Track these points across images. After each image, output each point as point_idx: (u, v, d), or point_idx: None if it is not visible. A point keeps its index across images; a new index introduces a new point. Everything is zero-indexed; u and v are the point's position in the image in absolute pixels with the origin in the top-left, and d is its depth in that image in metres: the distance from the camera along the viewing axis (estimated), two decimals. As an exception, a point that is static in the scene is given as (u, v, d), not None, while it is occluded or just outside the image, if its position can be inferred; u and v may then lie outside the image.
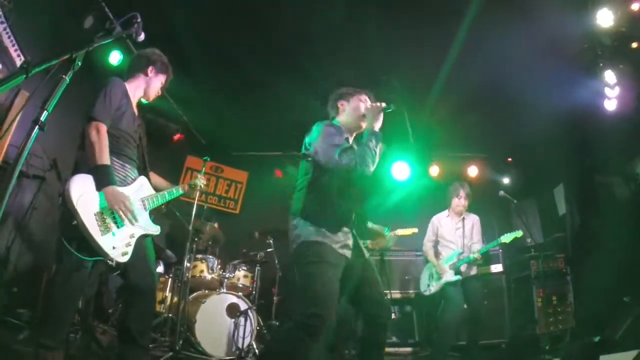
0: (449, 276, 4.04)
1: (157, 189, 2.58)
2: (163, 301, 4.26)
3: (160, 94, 2.68)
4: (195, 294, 4.29)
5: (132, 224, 2.22)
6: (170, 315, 4.05)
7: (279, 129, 5.85)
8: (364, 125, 2.47)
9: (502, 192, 4.58)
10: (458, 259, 4.06)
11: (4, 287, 3.29)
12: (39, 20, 3.71)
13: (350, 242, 2.26)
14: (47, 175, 3.68)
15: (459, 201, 4.28)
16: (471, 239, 4.24)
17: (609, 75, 4.03)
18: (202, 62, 4.68)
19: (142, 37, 1.95)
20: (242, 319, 4.00)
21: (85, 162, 2.17)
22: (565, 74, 4.13)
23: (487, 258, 4.62)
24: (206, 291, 4.37)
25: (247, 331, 3.97)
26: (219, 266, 4.48)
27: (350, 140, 2.50)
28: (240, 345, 3.89)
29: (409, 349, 4.91)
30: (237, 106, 5.53)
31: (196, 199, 3.75)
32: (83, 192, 2.06)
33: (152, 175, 2.64)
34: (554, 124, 4.77)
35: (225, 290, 4.20)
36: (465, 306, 4.00)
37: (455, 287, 3.99)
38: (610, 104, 4.11)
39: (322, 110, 5.22)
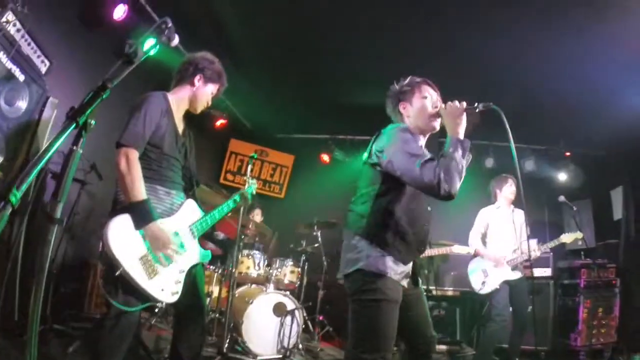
0: (508, 273, 4.05)
1: (206, 203, 2.52)
2: (209, 295, 4.65)
3: (210, 104, 2.51)
4: (241, 289, 4.64)
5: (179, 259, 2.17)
6: (217, 315, 4.48)
7: (326, 111, 6.01)
8: (437, 125, 2.15)
9: (562, 198, 4.54)
10: (515, 256, 4.09)
11: (53, 291, 3.52)
12: (61, 16, 3.73)
13: (410, 268, 2.10)
14: (87, 177, 3.81)
15: (511, 188, 4.29)
16: (521, 234, 4.26)
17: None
18: (244, 43, 4.80)
19: (176, 41, 1.87)
20: (288, 318, 4.33)
21: (122, 198, 2.08)
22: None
23: (535, 260, 4.62)
24: (252, 286, 4.74)
25: (294, 330, 4.33)
26: (266, 262, 4.80)
27: (423, 143, 2.17)
28: (285, 345, 4.24)
29: (447, 347, 5.25)
30: (283, 88, 5.64)
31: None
32: (123, 236, 1.97)
33: (202, 188, 2.61)
34: (623, 123, 4.63)
35: (272, 289, 4.47)
36: (510, 308, 4.07)
37: (507, 286, 4.03)
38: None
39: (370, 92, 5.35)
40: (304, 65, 5.12)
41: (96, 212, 4.13)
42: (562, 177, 5.79)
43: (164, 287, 2.08)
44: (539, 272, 5.00)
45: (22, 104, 2.96)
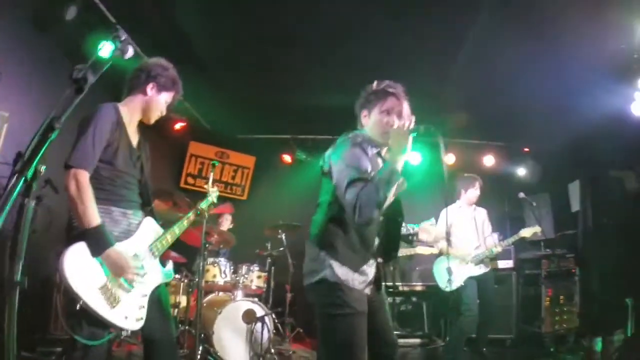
0: (473, 269, 4.22)
1: (164, 218, 2.42)
2: (177, 305, 4.51)
3: (164, 113, 2.37)
4: (209, 298, 4.60)
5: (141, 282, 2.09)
6: (187, 327, 4.35)
7: (287, 110, 5.93)
8: (386, 140, 2.08)
9: (522, 194, 4.77)
10: (478, 252, 4.26)
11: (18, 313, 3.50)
12: (9, 19, 3.54)
13: (373, 275, 2.09)
14: (42, 192, 3.55)
15: (476, 192, 4.46)
16: (483, 232, 4.46)
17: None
18: (203, 42, 4.64)
19: (130, 53, 1.80)
20: (259, 325, 4.25)
21: (75, 223, 1.96)
22: (600, 80, 4.22)
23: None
24: (220, 294, 4.70)
25: (265, 337, 4.27)
26: (232, 269, 4.72)
27: (383, 152, 2.20)
28: (258, 351, 4.21)
29: (417, 341, 5.41)
30: (243, 88, 5.51)
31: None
32: (80, 266, 1.85)
33: (156, 203, 2.48)
34: (578, 123, 4.89)
35: (240, 297, 4.46)
36: (477, 301, 4.21)
37: (474, 281, 4.20)
38: (638, 108, 4.22)
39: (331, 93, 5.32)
40: (265, 65, 5.01)
41: (54, 225, 3.90)
42: (521, 172, 6.04)
43: (128, 314, 2.00)
44: (502, 264, 5.21)
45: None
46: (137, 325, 2.05)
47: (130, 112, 2.22)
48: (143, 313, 2.08)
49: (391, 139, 1.99)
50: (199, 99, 5.63)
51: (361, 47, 4.57)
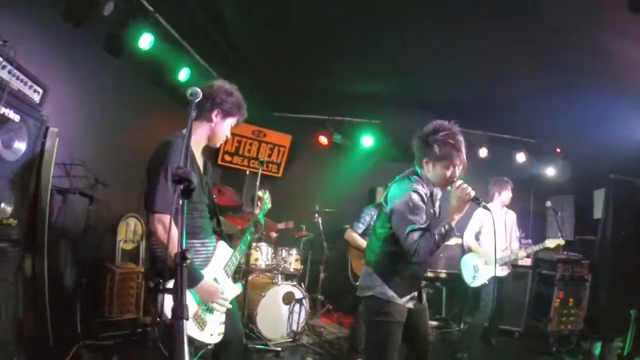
0: (498, 270, 4.62)
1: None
2: None
3: (229, 137, 2.48)
4: (251, 279, 5.12)
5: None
6: None
7: (325, 92, 6.13)
8: (449, 188, 2.52)
9: (548, 203, 5.10)
10: (504, 255, 4.68)
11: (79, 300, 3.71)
12: (45, 32, 3.48)
13: (416, 293, 2.63)
14: (94, 192, 3.89)
15: (509, 194, 4.80)
16: (511, 235, 4.86)
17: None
18: (241, 19, 4.66)
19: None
20: (297, 306, 4.97)
21: (159, 253, 2.15)
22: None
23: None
24: (261, 275, 5.32)
25: (302, 317, 4.99)
26: (272, 253, 5.27)
27: (435, 191, 2.62)
28: (295, 329, 4.93)
29: (435, 323, 6.06)
30: (282, 68, 5.66)
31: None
32: None
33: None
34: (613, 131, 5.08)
35: (280, 279, 5.03)
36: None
37: (494, 280, 4.60)
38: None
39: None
40: (298, 48, 5.09)
41: (104, 215, 4.34)
42: (550, 172, 6.31)
43: (213, 331, 2.29)
44: (521, 261, 5.65)
45: (21, 145, 2.81)
46: (219, 338, 2.33)
47: (196, 139, 2.32)
48: (223, 327, 2.37)
49: (453, 194, 2.44)
50: (235, 78, 5.70)
51: (398, 40, 4.61)
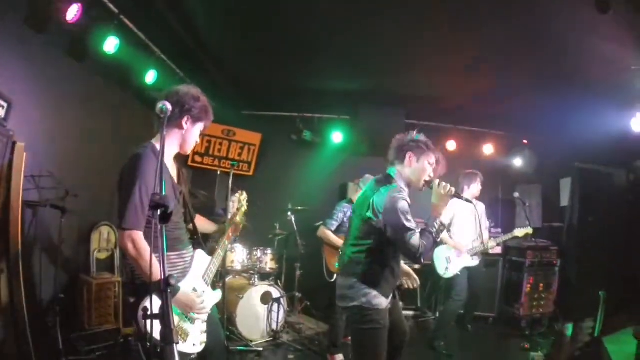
0: (469, 261, 4.84)
1: (204, 232, 2.64)
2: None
3: (198, 142, 2.46)
4: (228, 281, 5.10)
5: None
6: None
7: (294, 89, 6.14)
8: (421, 186, 2.73)
9: (516, 194, 5.27)
10: (475, 245, 4.86)
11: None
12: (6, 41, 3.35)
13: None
14: (65, 203, 3.78)
15: (479, 187, 5.00)
16: (481, 226, 4.99)
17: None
18: (207, 25, 4.61)
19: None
20: (275, 305, 5.00)
21: (137, 271, 2.13)
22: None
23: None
24: (237, 277, 5.33)
25: (280, 315, 5.02)
26: (248, 254, 5.28)
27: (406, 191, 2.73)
28: (274, 328, 4.96)
29: (411, 313, 6.22)
30: (251, 66, 5.61)
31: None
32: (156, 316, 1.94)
33: (197, 219, 2.66)
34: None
35: (257, 281, 5.03)
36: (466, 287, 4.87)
37: (467, 271, 4.84)
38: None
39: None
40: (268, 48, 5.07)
41: (77, 226, 4.28)
42: (517, 162, 6.54)
43: (195, 341, 2.31)
44: (492, 250, 5.87)
45: (-13, 162, 2.72)
46: (202, 347, 2.34)
47: (167, 147, 2.26)
48: (205, 335, 2.39)
49: (435, 192, 2.64)
50: (204, 77, 5.58)
51: (367, 37, 4.62)
